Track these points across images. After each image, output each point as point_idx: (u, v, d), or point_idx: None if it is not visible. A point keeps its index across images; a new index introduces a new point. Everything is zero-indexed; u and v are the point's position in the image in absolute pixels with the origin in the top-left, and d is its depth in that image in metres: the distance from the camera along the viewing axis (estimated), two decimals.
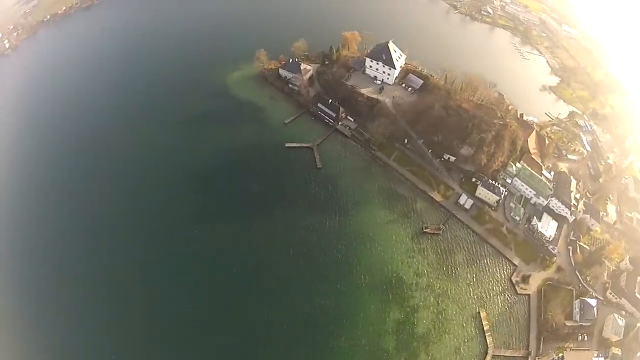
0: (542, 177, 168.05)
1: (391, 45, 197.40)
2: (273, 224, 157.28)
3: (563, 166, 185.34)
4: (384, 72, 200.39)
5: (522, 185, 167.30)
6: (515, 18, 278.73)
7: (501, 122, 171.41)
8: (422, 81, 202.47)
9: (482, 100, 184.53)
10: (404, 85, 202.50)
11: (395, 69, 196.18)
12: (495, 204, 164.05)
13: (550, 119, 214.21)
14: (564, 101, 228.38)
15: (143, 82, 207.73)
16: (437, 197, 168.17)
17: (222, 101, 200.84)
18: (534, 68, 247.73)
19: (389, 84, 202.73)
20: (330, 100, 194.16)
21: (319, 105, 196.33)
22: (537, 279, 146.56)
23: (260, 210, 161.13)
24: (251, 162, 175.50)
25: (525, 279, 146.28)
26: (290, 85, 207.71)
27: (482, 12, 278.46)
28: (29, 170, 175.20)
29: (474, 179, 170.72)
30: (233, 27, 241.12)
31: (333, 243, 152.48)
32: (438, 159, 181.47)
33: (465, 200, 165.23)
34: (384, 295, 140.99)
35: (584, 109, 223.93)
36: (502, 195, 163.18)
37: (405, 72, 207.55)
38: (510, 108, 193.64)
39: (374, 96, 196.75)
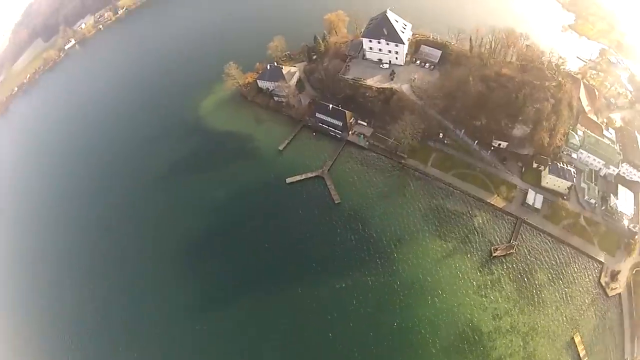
0: (606, 140, 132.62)
1: (390, 15, 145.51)
2: (293, 297, 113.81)
3: (616, 118, 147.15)
4: (390, 52, 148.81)
5: (588, 156, 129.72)
6: None
7: (554, 84, 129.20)
8: (439, 51, 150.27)
9: (522, 60, 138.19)
10: (418, 62, 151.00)
11: (403, 43, 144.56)
12: (567, 190, 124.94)
13: (585, 63, 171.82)
14: (588, 38, 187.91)
15: (112, 136, 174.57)
16: (499, 203, 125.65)
17: (198, 140, 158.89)
18: (544, 8, 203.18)
19: (400, 65, 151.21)
20: (330, 106, 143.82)
21: (317, 115, 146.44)
22: (625, 270, 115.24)
23: (272, 282, 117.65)
24: (248, 217, 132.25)
25: (614, 276, 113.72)
26: (276, 98, 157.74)
27: None
28: None
29: (535, 164, 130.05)
30: (197, 46, 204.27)
31: (381, 306, 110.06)
32: (488, 150, 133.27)
33: (534, 198, 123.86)
34: (462, 357, 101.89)
35: (609, 43, 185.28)
36: (574, 178, 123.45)
37: (416, 44, 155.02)
38: (559, 62, 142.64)
39: (386, 85, 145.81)
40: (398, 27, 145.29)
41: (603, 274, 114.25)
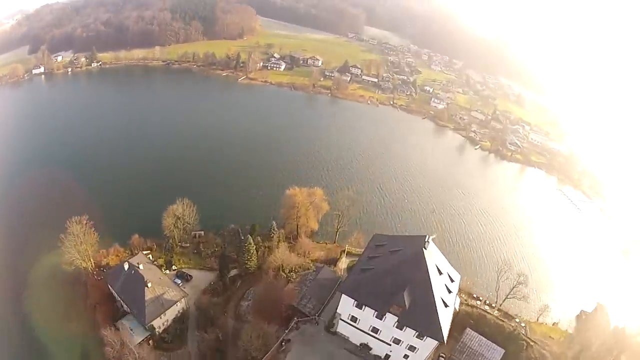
0: None
1: (431, 256, 53.04)
2: None
3: None
4: (397, 343, 54.86)
5: None
6: (546, 149, 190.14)
7: None
8: (502, 351, 56.40)
9: None
10: None
11: (443, 341, 50.71)
12: None
13: None
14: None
15: None
16: None
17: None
18: (596, 225, 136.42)
19: None
20: None
21: None
22: None
23: None
24: None
25: None
26: (117, 327, 61.98)
27: (509, 144, 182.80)
28: None
29: None
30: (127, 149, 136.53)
31: None
32: None
33: None
34: None
35: None
36: None
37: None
38: None
39: None
40: (439, 289, 52.84)
41: None
